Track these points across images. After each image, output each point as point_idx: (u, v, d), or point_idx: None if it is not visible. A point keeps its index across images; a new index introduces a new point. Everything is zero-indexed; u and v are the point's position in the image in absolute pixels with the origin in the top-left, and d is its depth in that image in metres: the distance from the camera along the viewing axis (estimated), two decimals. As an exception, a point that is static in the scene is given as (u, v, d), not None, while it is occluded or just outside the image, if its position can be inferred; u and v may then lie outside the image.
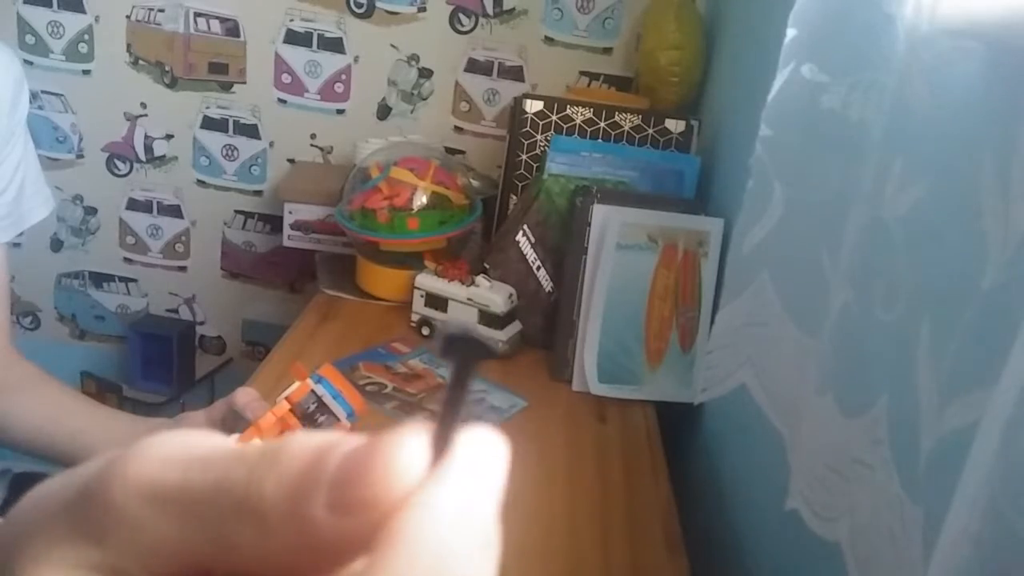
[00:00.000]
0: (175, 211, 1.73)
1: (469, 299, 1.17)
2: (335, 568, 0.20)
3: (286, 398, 0.69)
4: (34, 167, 0.97)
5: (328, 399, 0.70)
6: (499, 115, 1.62)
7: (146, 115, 1.67)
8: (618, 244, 1.11)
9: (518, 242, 1.22)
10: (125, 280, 1.79)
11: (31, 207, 0.97)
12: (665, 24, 1.40)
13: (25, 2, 1.61)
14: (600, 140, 1.31)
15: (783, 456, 0.67)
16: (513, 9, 1.56)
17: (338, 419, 0.70)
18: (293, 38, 1.61)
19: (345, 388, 0.71)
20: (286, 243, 1.47)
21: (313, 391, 0.70)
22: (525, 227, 1.22)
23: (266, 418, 0.67)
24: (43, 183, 1.00)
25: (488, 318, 1.16)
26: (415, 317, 1.22)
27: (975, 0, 0.48)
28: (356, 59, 1.61)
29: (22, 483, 1.07)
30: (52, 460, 0.88)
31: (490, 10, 1.56)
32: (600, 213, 1.12)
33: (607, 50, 1.58)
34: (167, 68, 1.64)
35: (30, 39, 1.63)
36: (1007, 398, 0.35)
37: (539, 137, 1.32)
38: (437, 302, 1.20)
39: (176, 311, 1.80)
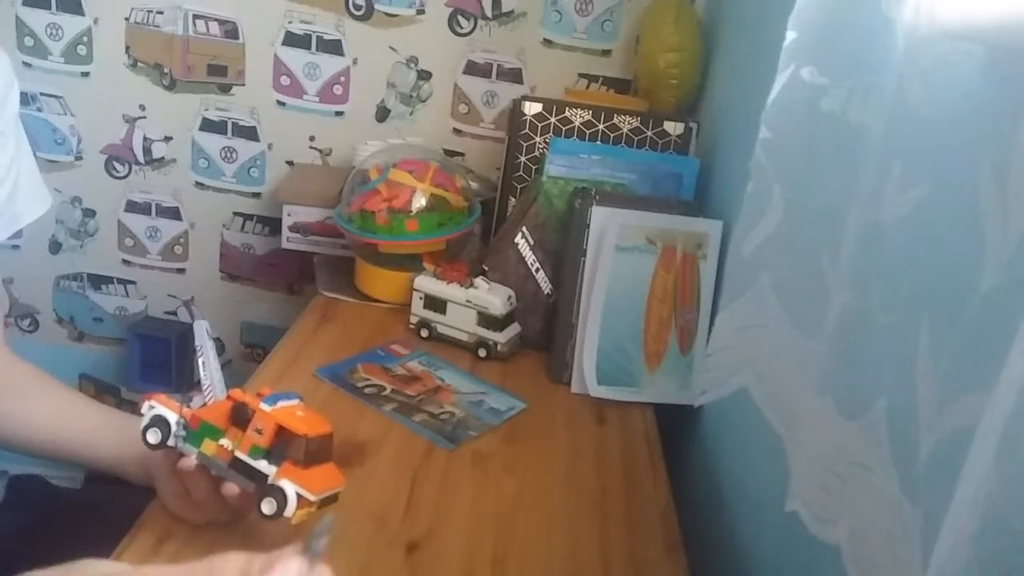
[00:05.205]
0: (174, 213, 1.73)
1: (468, 301, 1.17)
2: None
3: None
4: (30, 165, 0.96)
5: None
6: (498, 117, 1.62)
7: (145, 117, 1.67)
8: (617, 246, 1.11)
9: (517, 244, 1.22)
10: (124, 282, 1.79)
11: (26, 206, 0.95)
12: (664, 26, 1.40)
13: (24, 4, 1.61)
14: (599, 142, 1.31)
15: (782, 458, 0.67)
16: (512, 11, 1.57)
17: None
18: (292, 40, 1.61)
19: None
20: (285, 245, 1.47)
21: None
22: (524, 229, 1.22)
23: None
24: (40, 181, 0.98)
25: (487, 320, 1.16)
26: (414, 319, 1.22)
27: (974, 2, 0.48)
28: (355, 61, 1.61)
29: (20, 485, 1.06)
30: (55, 460, 0.87)
31: (489, 12, 1.57)
32: (599, 215, 1.12)
33: (606, 52, 1.58)
34: (166, 70, 1.64)
35: (29, 41, 1.63)
36: (1006, 400, 0.35)
37: (538, 139, 1.32)
38: (436, 304, 1.20)
39: (175, 313, 1.80)
